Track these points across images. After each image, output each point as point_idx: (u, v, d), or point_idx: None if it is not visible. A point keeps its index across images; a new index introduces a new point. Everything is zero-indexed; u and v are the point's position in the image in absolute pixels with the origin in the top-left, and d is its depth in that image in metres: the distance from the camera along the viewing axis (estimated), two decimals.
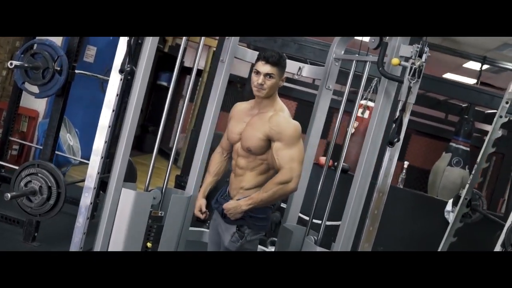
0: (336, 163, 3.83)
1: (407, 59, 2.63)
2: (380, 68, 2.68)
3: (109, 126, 2.94)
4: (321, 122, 3.38)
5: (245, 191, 2.73)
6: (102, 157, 2.96)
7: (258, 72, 2.67)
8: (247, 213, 2.68)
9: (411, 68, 2.57)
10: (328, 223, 3.17)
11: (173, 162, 3.38)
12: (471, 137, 6.19)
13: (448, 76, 8.90)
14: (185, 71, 9.73)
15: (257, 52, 2.86)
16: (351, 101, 3.70)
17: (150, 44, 2.89)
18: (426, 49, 2.57)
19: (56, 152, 5.36)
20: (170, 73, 9.49)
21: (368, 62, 3.10)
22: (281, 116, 2.68)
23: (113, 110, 2.92)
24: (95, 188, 2.95)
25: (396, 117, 2.59)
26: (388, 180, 2.69)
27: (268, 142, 2.65)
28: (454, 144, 6.17)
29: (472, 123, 6.14)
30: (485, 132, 7.35)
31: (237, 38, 3.40)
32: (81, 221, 2.96)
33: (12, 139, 5.19)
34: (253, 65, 6.87)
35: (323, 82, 3.35)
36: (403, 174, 5.76)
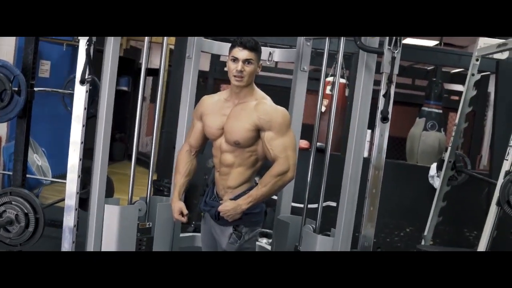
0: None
1: None
2: (358, 42, 2.58)
3: (82, 142, 2.78)
4: (300, 107, 3.27)
5: (234, 189, 2.61)
6: (79, 175, 2.79)
7: (235, 59, 2.51)
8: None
9: (390, 37, 2.48)
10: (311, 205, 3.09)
11: (152, 169, 3.25)
12: (441, 99, 6.17)
13: (408, 41, 8.88)
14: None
15: (224, 43, 2.73)
16: (316, 79, 3.61)
17: (112, 49, 2.75)
18: None
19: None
20: (128, 77, 9.37)
21: (342, 38, 2.98)
22: (267, 104, 2.55)
23: (83, 125, 2.76)
24: (76, 209, 2.79)
25: (385, 90, 2.51)
26: (383, 156, 2.60)
27: (257, 132, 2.52)
28: (426, 109, 6.13)
29: (441, 85, 6.12)
30: (454, 93, 7.39)
31: None
32: (67, 246, 2.80)
33: None
34: (214, 56, 6.74)
35: (297, 64, 3.24)
36: None
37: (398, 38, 2.48)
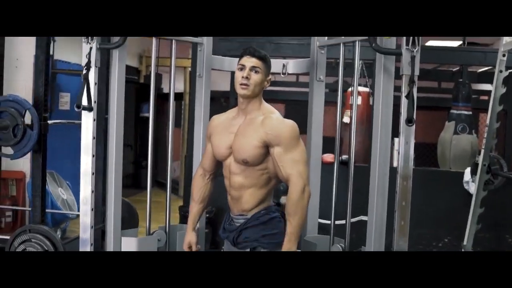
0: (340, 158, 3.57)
1: None
2: (374, 44, 2.43)
3: (93, 173, 2.67)
4: (320, 118, 3.11)
5: (249, 212, 2.48)
6: (92, 208, 2.68)
7: (243, 67, 2.43)
8: (259, 233, 2.44)
9: (408, 37, 2.32)
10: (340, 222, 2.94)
11: (170, 194, 3.12)
12: (470, 100, 5.95)
13: (430, 43, 8.68)
14: (165, 97, 9.54)
15: (235, 59, 2.63)
16: (334, 91, 3.47)
17: (118, 71, 2.67)
18: None
19: (51, 210, 5.10)
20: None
21: (357, 42, 2.81)
22: (274, 118, 2.43)
23: (93, 155, 2.65)
24: (92, 244, 2.67)
25: (408, 92, 2.34)
26: (410, 165, 2.42)
27: (266, 149, 2.39)
28: (455, 111, 5.89)
29: (468, 86, 5.89)
30: (483, 92, 7.14)
31: (210, 49, 3.17)
32: None
33: (2, 206, 4.92)
34: (233, 74, 6.67)
35: (313, 74, 3.09)
36: None
37: (417, 37, 2.32)
